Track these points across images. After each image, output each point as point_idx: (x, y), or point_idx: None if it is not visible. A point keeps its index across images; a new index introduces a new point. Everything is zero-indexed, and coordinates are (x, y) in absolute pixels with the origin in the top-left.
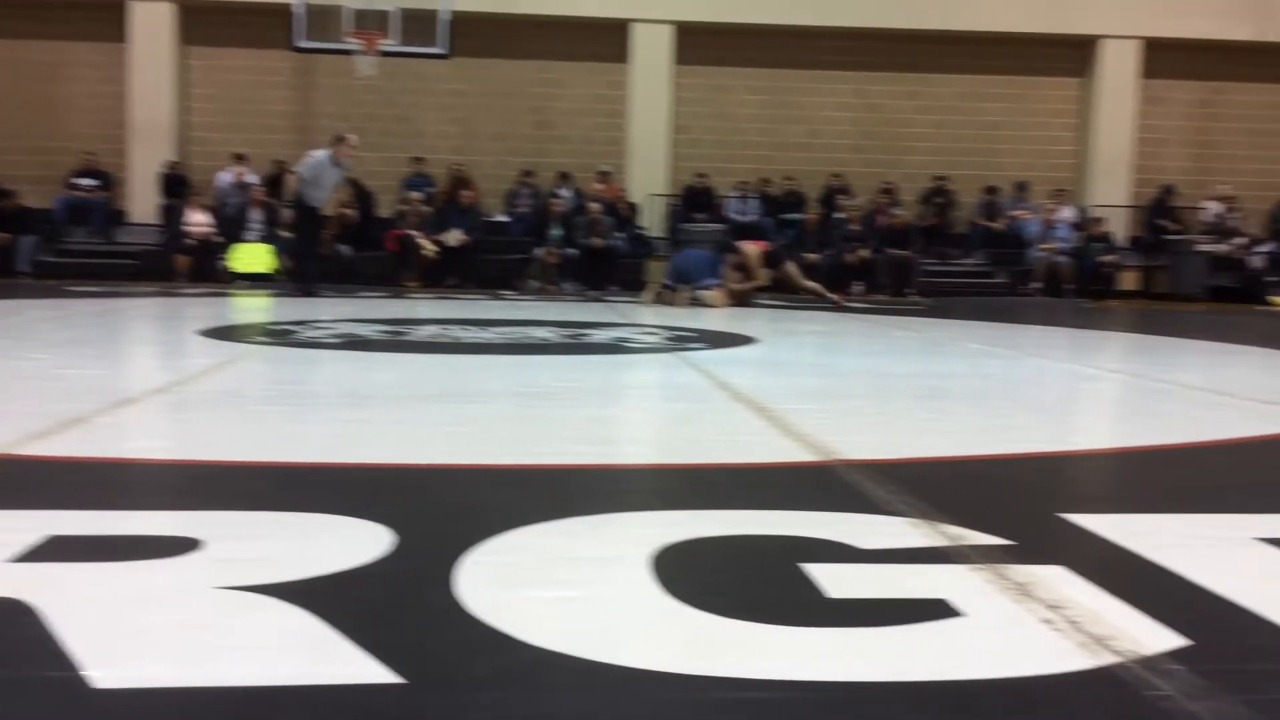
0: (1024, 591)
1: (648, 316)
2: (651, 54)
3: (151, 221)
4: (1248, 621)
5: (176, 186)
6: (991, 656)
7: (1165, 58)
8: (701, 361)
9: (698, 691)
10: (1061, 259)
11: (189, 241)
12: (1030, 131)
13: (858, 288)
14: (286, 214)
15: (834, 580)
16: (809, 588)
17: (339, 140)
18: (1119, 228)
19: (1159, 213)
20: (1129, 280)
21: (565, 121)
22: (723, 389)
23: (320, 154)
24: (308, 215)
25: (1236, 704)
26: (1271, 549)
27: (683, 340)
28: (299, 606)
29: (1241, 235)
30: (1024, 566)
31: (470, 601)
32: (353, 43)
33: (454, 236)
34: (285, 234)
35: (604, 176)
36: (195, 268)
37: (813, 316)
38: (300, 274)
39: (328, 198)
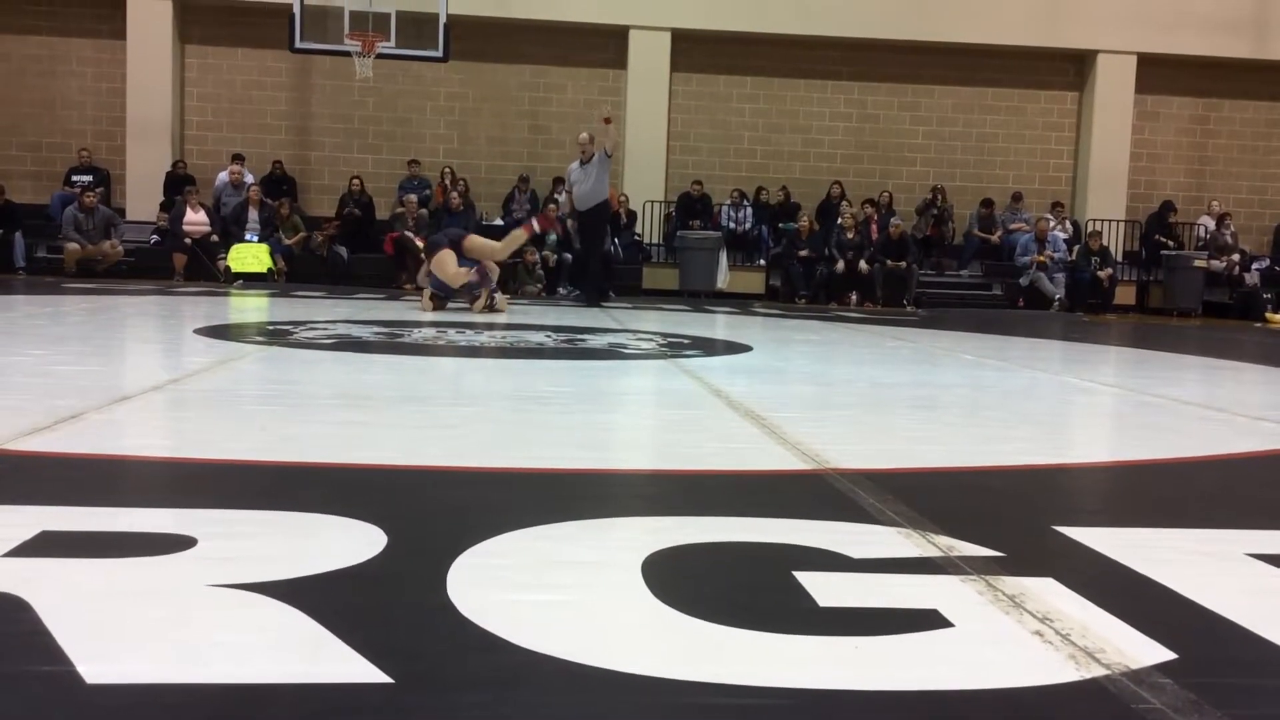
0: (1015, 603)
1: (646, 323)
2: (649, 60)
3: (147, 219)
4: (1235, 636)
5: (178, 185)
6: (981, 667)
7: (1160, 73)
8: (696, 368)
9: (686, 696)
10: (1057, 274)
11: (186, 241)
12: (1026, 144)
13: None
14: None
15: (825, 589)
16: (800, 595)
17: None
18: (1114, 242)
19: (1156, 227)
20: (1124, 294)
21: (561, 127)
22: (717, 396)
23: (573, 164)
24: (582, 222)
25: (1222, 718)
26: (1261, 565)
27: (678, 347)
28: (291, 605)
29: (1237, 251)
30: (1015, 578)
31: (461, 603)
32: (351, 45)
33: None
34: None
35: None
36: (191, 266)
37: (808, 325)
38: (587, 282)
39: (600, 190)
